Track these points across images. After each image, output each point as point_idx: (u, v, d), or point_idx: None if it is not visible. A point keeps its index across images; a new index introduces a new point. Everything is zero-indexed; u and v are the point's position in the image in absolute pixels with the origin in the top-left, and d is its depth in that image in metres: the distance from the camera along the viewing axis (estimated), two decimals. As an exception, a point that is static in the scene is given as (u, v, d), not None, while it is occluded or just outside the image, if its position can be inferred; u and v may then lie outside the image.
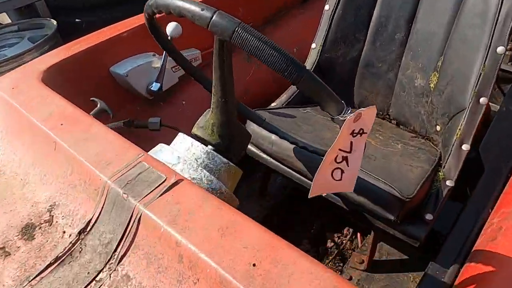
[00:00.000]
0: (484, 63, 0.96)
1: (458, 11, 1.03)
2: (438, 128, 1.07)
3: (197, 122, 0.68)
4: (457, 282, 0.75)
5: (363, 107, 1.21)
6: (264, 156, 1.07)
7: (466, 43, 1.00)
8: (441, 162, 0.99)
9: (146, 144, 1.13)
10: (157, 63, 1.12)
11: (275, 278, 0.46)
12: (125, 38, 1.09)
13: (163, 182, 0.58)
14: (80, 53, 1.00)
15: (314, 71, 1.23)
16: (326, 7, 1.21)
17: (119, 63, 1.08)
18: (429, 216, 0.86)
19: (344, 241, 1.18)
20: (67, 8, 1.93)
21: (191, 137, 0.66)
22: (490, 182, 1.05)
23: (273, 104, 1.20)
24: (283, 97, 1.21)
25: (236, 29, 0.50)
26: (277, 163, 1.05)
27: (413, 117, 1.16)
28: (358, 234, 1.16)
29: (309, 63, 1.23)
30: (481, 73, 0.96)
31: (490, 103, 1.24)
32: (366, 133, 0.57)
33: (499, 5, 0.94)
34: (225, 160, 0.62)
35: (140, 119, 1.11)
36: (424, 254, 0.98)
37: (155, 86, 1.09)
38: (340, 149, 0.57)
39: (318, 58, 1.22)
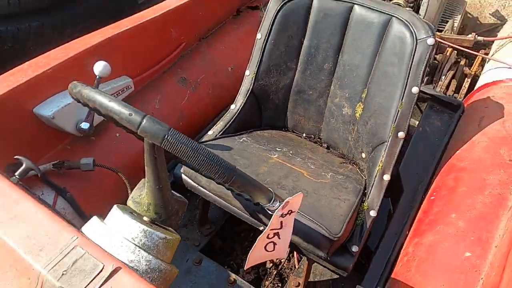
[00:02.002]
0: (402, 100, 1.05)
1: (379, 47, 1.11)
2: (363, 155, 1.16)
3: (131, 195, 0.68)
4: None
5: (297, 131, 1.25)
6: (203, 190, 1.09)
7: (387, 79, 1.09)
8: (366, 191, 1.08)
9: (78, 185, 1.10)
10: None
11: None
12: (49, 74, 1.03)
13: (101, 271, 0.58)
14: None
15: (249, 97, 1.25)
16: (258, 35, 1.22)
17: (43, 103, 1.02)
18: (355, 248, 0.95)
19: (282, 261, 1.25)
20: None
21: (127, 210, 0.67)
22: (407, 204, 1.17)
23: (209, 133, 1.20)
24: (219, 125, 1.22)
25: (166, 136, 0.51)
26: (215, 197, 1.08)
27: (342, 142, 1.24)
28: (295, 254, 1.24)
29: (244, 90, 1.26)
30: (398, 110, 1.06)
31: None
32: (294, 211, 0.61)
33: (414, 49, 1.03)
34: (162, 235, 0.64)
35: (72, 159, 1.07)
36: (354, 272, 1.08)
37: (84, 125, 1.06)
38: (271, 229, 0.61)
39: (252, 85, 1.24)
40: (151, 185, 0.62)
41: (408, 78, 1.03)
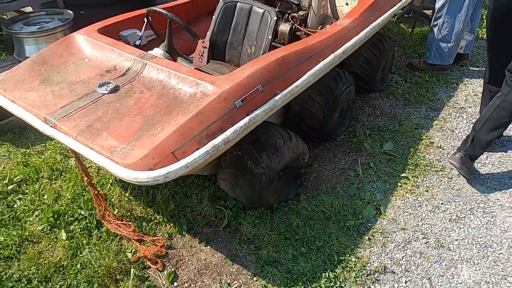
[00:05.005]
0: (265, 42, 2.61)
1: (260, 22, 2.69)
2: (253, 68, 2.71)
3: (161, 45, 2.21)
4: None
5: (229, 63, 2.88)
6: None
7: (261, 33, 2.66)
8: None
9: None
10: (139, 33, 2.63)
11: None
12: (125, 21, 2.60)
13: (153, 57, 2.12)
14: (109, 25, 2.49)
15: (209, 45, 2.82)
16: (214, 17, 2.82)
17: (123, 31, 2.57)
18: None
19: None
20: (75, 4, 3.35)
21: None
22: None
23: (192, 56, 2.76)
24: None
25: (171, 16, 2.06)
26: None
27: (247, 65, 2.79)
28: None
29: (206, 40, 2.82)
30: (265, 46, 2.62)
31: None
32: (206, 47, 2.16)
33: (270, 20, 2.61)
34: (161, 51, 2.17)
35: (130, 56, 2.61)
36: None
37: (137, 42, 2.60)
38: (199, 51, 2.15)
39: (210, 38, 2.82)
40: (168, 35, 2.16)
41: (268, 32, 2.61)
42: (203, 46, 2.15)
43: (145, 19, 2.41)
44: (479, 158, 2.66)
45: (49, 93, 2.00)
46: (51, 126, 1.81)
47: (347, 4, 3.60)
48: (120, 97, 1.93)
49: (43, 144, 2.78)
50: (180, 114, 1.77)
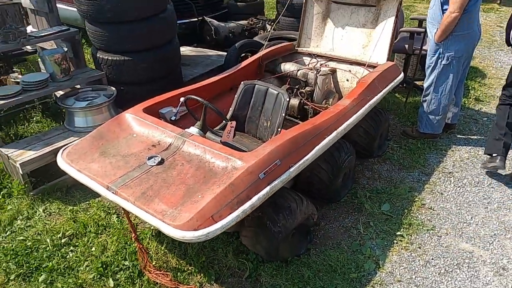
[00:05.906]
0: (279, 118, 3.13)
1: (275, 102, 3.23)
2: (270, 138, 3.21)
3: (195, 125, 2.72)
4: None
5: (248, 134, 3.43)
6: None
7: (275, 111, 3.19)
8: (267, 148, 3.12)
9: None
10: (174, 110, 3.16)
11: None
12: (163, 101, 3.15)
13: (190, 135, 2.62)
14: (152, 105, 3.04)
15: (231, 119, 3.35)
16: (236, 96, 3.37)
17: (162, 109, 3.11)
18: (258, 160, 2.96)
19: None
20: (116, 81, 3.96)
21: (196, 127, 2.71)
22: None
23: (217, 128, 3.29)
24: (221, 125, 3.31)
25: (207, 103, 2.60)
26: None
27: (264, 136, 3.30)
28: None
29: (229, 115, 3.36)
30: (279, 122, 3.13)
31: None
32: (233, 127, 2.68)
33: (283, 101, 3.15)
34: (200, 131, 2.67)
35: (167, 129, 3.14)
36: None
37: (173, 117, 3.13)
38: (228, 130, 2.66)
39: (232, 113, 3.35)
40: (203, 117, 2.68)
41: (281, 110, 3.14)
42: (230, 126, 2.67)
43: (182, 101, 2.94)
44: (465, 219, 3.06)
45: (108, 164, 2.49)
46: (113, 193, 2.27)
47: (347, 80, 4.19)
48: (165, 169, 2.41)
49: (88, 202, 3.23)
50: (215, 184, 2.23)
